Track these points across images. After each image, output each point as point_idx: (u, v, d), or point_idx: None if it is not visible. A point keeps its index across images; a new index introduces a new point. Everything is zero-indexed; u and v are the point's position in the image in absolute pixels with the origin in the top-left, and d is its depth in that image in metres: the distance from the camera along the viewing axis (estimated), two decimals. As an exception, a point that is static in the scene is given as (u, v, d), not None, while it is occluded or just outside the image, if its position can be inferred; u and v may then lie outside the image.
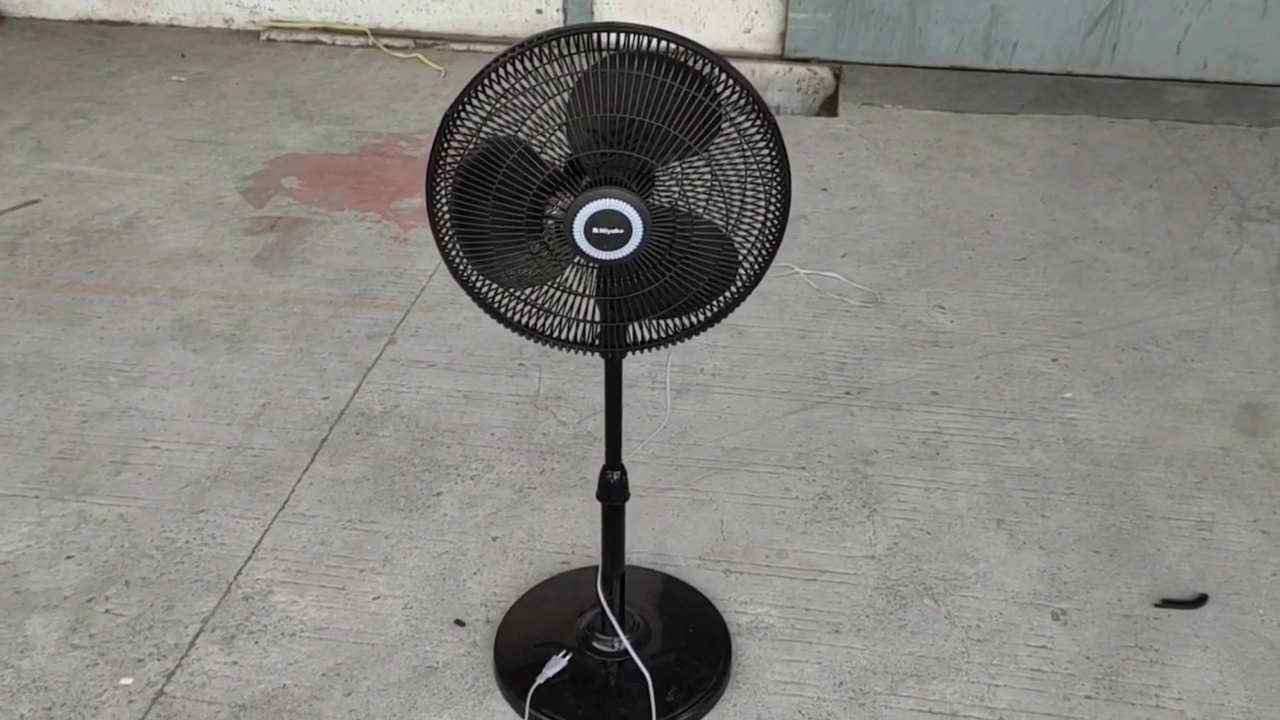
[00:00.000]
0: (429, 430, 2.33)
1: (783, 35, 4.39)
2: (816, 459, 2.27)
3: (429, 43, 4.49)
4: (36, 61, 4.27)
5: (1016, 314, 2.77)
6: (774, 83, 4.42)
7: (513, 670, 1.77)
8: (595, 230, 1.30)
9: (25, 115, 3.81)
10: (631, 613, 1.82)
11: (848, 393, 2.47)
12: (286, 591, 1.94)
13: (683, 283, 1.37)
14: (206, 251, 2.99)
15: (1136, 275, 2.95)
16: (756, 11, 4.40)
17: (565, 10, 4.49)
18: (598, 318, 1.45)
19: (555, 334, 1.46)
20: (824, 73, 4.37)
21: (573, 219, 1.29)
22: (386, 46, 4.43)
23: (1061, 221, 3.22)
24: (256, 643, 1.84)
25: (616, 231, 1.30)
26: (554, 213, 1.34)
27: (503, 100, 1.28)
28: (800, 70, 4.39)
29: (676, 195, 1.35)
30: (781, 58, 4.42)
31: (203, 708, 1.73)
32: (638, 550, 2.03)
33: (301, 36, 4.53)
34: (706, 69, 1.27)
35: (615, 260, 1.33)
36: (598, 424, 2.34)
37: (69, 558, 2.01)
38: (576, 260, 1.36)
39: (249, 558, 2.01)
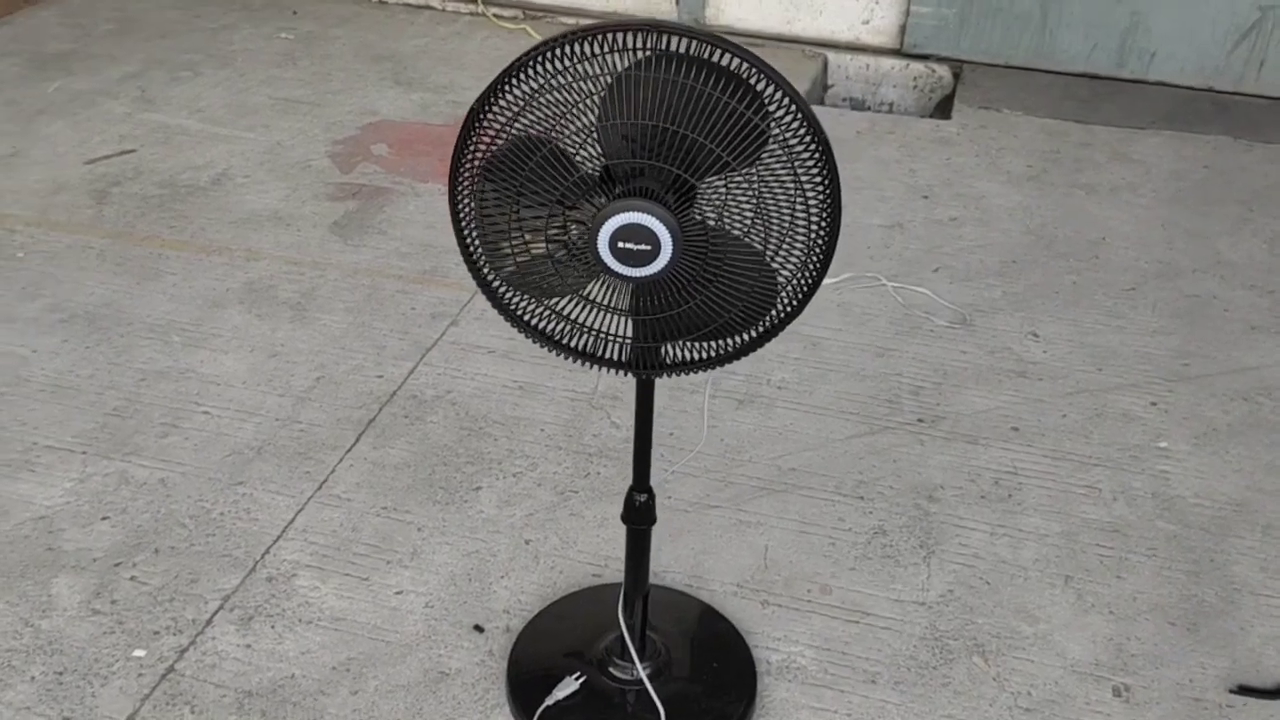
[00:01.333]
0: (478, 420, 2.27)
1: (902, 29, 4.20)
2: (877, 489, 2.13)
3: (538, 14, 4.42)
4: (154, 10, 4.33)
5: (1117, 349, 2.57)
6: (888, 79, 4.23)
7: (524, 686, 1.69)
8: (621, 245, 1.20)
9: (136, 63, 3.86)
10: (654, 639, 1.73)
11: (920, 420, 2.32)
12: (310, 576, 1.90)
13: (713, 307, 1.26)
14: (286, 214, 2.98)
15: (1257, 317, 2.71)
16: (877, 2, 4.21)
17: (679, -10, 4.36)
18: (628, 334, 1.35)
19: (582, 348, 1.36)
20: (943, 71, 4.16)
21: (597, 231, 1.19)
22: (495, 16, 4.37)
23: (1180, 251, 2.99)
24: (273, 627, 1.80)
25: (644, 248, 1.20)
26: (582, 221, 1.24)
27: (533, 98, 1.18)
28: (918, 67, 4.19)
29: (716, 213, 1.23)
30: (899, 53, 4.23)
31: (209, 690, 1.70)
32: (672, 570, 1.94)
33: (413, 0, 4.50)
34: (759, 82, 1.16)
35: (641, 278, 1.23)
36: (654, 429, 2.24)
37: (105, 518, 2.00)
38: (601, 275, 1.26)
39: (279, 537, 1.97)
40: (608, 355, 1.36)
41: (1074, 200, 3.25)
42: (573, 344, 1.35)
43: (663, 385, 2.37)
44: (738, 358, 1.35)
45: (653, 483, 2.11)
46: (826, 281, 2.76)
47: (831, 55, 4.27)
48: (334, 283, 2.70)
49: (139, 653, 1.75)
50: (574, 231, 1.23)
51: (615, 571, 1.92)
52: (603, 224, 1.19)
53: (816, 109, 3.81)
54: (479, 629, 1.82)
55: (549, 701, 1.64)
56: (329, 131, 3.44)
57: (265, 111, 3.55)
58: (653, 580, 1.90)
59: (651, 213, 1.18)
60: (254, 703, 1.68)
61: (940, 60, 4.16)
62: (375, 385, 2.36)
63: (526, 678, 1.71)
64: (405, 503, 2.06)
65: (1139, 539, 2.04)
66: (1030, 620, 1.87)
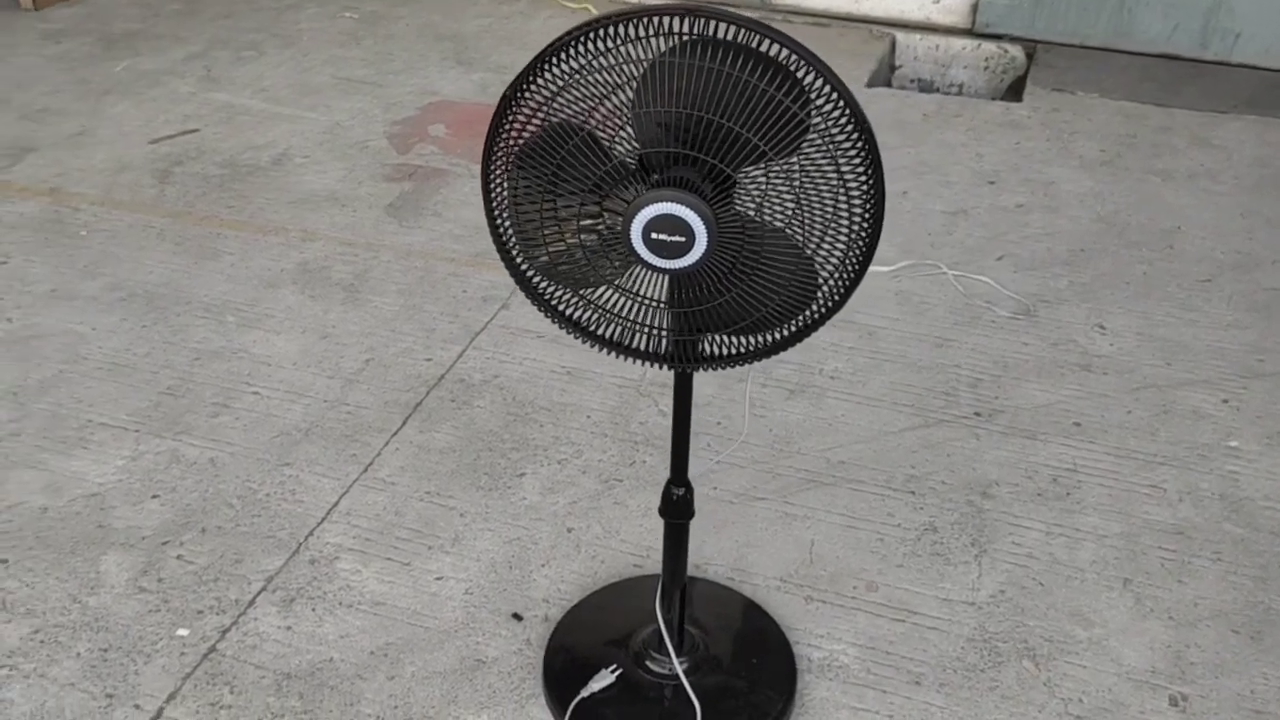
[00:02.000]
0: (525, 405, 2.25)
1: (975, 8, 4.08)
2: (929, 484, 2.08)
3: (603, -6, 4.38)
4: (223, -10, 4.38)
5: (1189, 344, 2.48)
6: (959, 59, 4.12)
7: (560, 677, 1.68)
8: (655, 236, 1.16)
9: (201, 43, 3.90)
10: (693, 633, 1.70)
11: (977, 413, 2.26)
12: (352, 560, 1.90)
13: (750, 301, 1.22)
14: (343, 195, 2.99)
15: (1339, 311, 2.60)
16: (949, -19, 4.10)
17: (745, -32, 4.29)
18: (664, 326, 1.31)
19: (616, 339, 1.33)
20: (1015, 51, 4.04)
21: (630, 221, 1.16)
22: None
23: (1260, 242, 2.87)
24: (313, 610, 1.81)
25: (678, 239, 1.16)
26: (616, 211, 1.21)
27: (568, 82, 1.15)
28: (990, 47, 4.08)
29: (756, 205, 1.19)
30: (971, 32, 4.12)
31: (249, 670, 1.71)
32: (715, 562, 1.90)
33: (477, -20, 4.49)
34: (800, 70, 1.11)
35: (676, 270, 1.19)
36: (700, 418, 2.21)
37: (155, 496, 2.02)
38: (635, 267, 1.23)
39: (323, 519, 1.98)
40: (643, 347, 1.32)
41: (1149, 187, 3.13)
42: (607, 334, 1.32)
43: (711, 375, 2.33)
44: (776, 352, 1.31)
45: (698, 473, 2.09)
46: (884, 269, 2.71)
47: (900, 35, 4.17)
48: (387, 264, 2.70)
49: (182, 631, 1.77)
50: (608, 222, 1.20)
51: (657, 562, 1.90)
52: (635, 215, 1.16)
53: (882, 90, 3.74)
54: (517, 617, 1.80)
55: (584, 693, 1.62)
56: (388, 112, 3.44)
57: (327, 91, 3.57)
58: (695, 572, 1.88)
59: (686, 203, 1.14)
60: (292, 685, 1.69)
61: (1013, 40, 4.05)
62: (424, 368, 2.36)
63: (563, 668, 1.69)
64: (449, 488, 2.05)
65: (1204, 542, 1.97)
66: (1085, 624, 1.81)
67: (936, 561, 1.92)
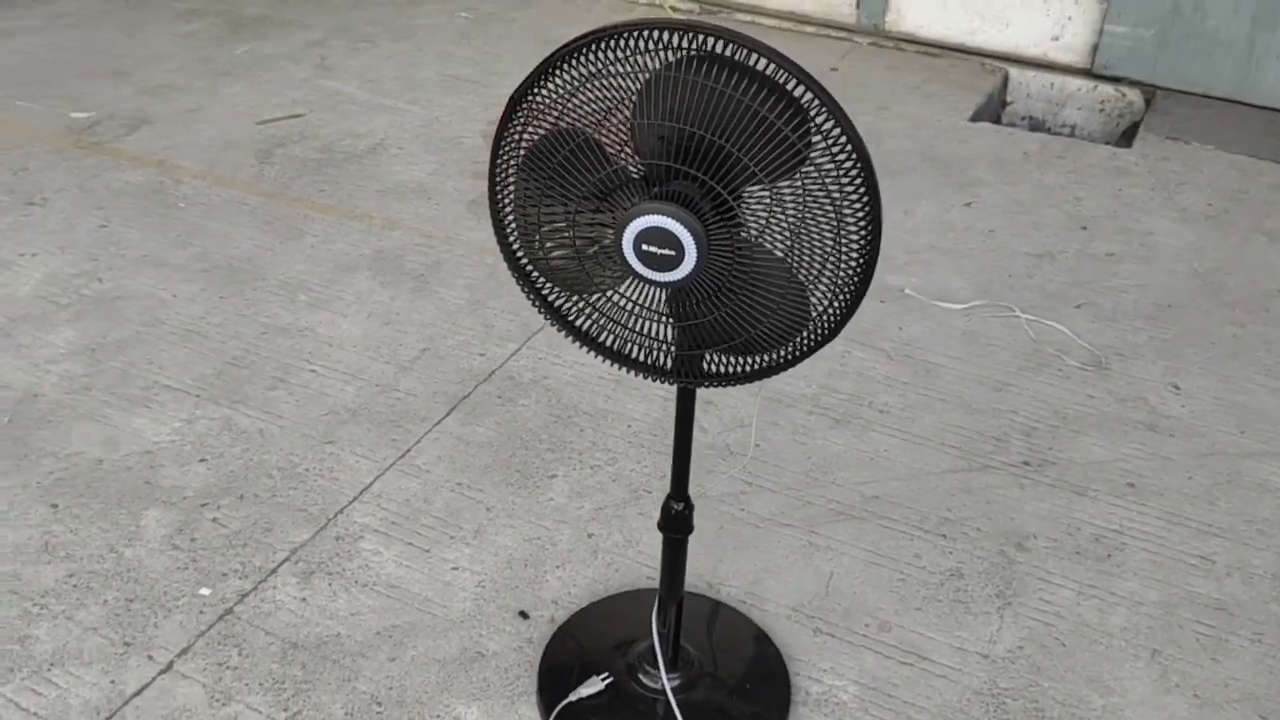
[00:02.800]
0: (568, 409, 2.27)
1: (1094, 48, 3.97)
2: (962, 529, 2.03)
3: (715, 9, 4.39)
4: (351, -17, 4.53)
5: (1269, 413, 2.36)
6: (1074, 99, 4.01)
7: (552, 678, 1.69)
8: (645, 248, 1.16)
9: (322, 31, 4.05)
10: (690, 650, 1.70)
11: (1026, 463, 2.19)
12: (375, 541, 1.95)
13: (738, 321, 1.21)
14: (429, 188, 3.06)
15: None
16: (1070, 18, 3.99)
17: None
18: (659, 338, 1.31)
19: (619, 350, 1.34)
20: (1134, 96, 3.91)
21: (622, 230, 1.17)
22: (672, 8, 4.37)
23: (1365, 313, 2.72)
24: (330, 585, 1.86)
25: (667, 253, 1.16)
26: (608, 222, 1.22)
27: (571, 88, 1.16)
28: (1107, 90, 3.95)
29: (753, 228, 1.19)
30: (1089, 73, 4.00)
31: (259, 635, 1.76)
32: (730, 583, 1.89)
33: (596, -12, 4.55)
34: (805, 96, 1.10)
35: (666, 283, 1.19)
36: (738, 438, 2.20)
37: (202, 460, 2.11)
38: (629, 278, 1.23)
39: (354, 499, 2.03)
40: (640, 358, 1.33)
41: (1254, 245, 3.00)
42: (606, 343, 1.33)
43: (760, 399, 2.32)
44: (766, 376, 1.30)
45: (728, 493, 2.08)
46: (954, 307, 2.65)
47: (1014, 71, 4.07)
48: (459, 258, 2.76)
49: (205, 591, 1.84)
50: (603, 223, 1.21)
51: (671, 577, 1.89)
52: (627, 225, 1.16)
53: (986, 126, 3.66)
54: (524, 615, 1.82)
55: (572, 698, 1.63)
56: (487, 110, 3.52)
57: (431, 86, 3.66)
58: (708, 591, 1.87)
59: (676, 217, 1.14)
60: (296, 654, 1.73)
61: (1132, 84, 3.91)
62: (476, 363, 2.40)
63: (557, 671, 1.70)
64: (480, 481, 2.08)
65: (1246, 621, 1.87)
66: (1103, 691, 1.74)
67: (957, 609, 1.87)
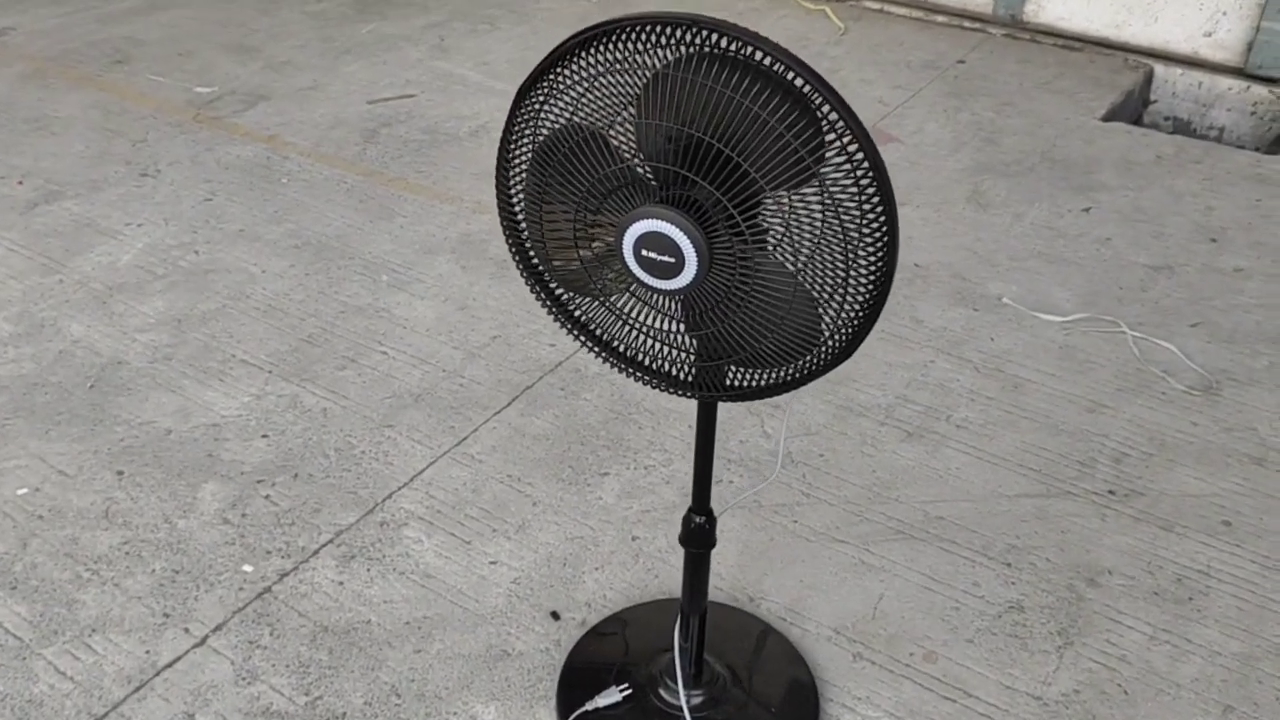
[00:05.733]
0: (630, 405, 2.22)
1: (1249, 46, 3.68)
2: (1029, 559, 1.90)
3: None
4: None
5: (1398, 452, 2.14)
6: (1223, 100, 3.73)
7: (572, 684, 1.65)
8: (644, 253, 1.10)
9: (444, 13, 4.08)
10: (716, 666, 1.63)
11: (1111, 491, 2.04)
12: (418, 529, 1.94)
13: (743, 335, 1.14)
14: (524, 173, 3.05)
15: None
16: (1224, 13, 3.71)
17: (997, -18, 4.05)
18: (675, 347, 1.25)
19: (637, 358, 1.28)
20: (1289, 98, 3.61)
21: (622, 234, 1.11)
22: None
23: None
24: (368, 570, 1.86)
25: (667, 259, 1.10)
26: (611, 224, 1.16)
27: (571, 85, 1.11)
28: (1260, 91, 3.66)
29: (762, 239, 1.11)
30: (1242, 72, 3.71)
31: (293, 616, 1.78)
32: (771, 598, 1.81)
33: (721, -27, 4.46)
34: (819, 104, 1.02)
35: (667, 291, 1.13)
36: (801, 447, 2.12)
37: (264, 436, 2.14)
38: (632, 283, 1.17)
39: (404, 485, 2.03)
40: (650, 365, 1.27)
41: (1406, 267, 2.73)
42: (616, 346, 1.27)
43: (824, 406, 2.22)
44: (773, 394, 1.22)
45: (782, 503, 2.00)
46: (1055, 319, 2.49)
47: (1160, 68, 3.82)
48: (543, 246, 2.73)
49: (247, 568, 1.86)
50: (605, 224, 1.16)
51: (712, 589, 1.83)
52: (628, 228, 1.10)
53: (1117, 126, 3.44)
54: (555, 616, 1.79)
55: (588, 706, 1.59)
56: (593, 96, 3.48)
57: (540, 70, 3.64)
58: (748, 606, 1.80)
59: (675, 223, 1.08)
60: (325, 639, 1.74)
61: (1288, 85, 3.62)
62: (545, 353, 2.37)
63: (579, 676, 1.66)
64: (531, 474, 2.06)
65: (1340, 685, 1.70)
66: (1164, 749, 1.60)
67: (1012, 644, 1.75)
